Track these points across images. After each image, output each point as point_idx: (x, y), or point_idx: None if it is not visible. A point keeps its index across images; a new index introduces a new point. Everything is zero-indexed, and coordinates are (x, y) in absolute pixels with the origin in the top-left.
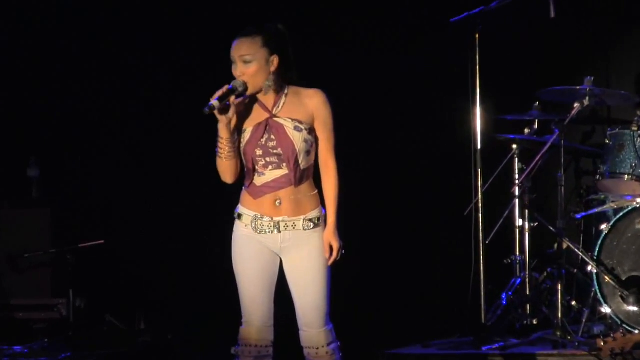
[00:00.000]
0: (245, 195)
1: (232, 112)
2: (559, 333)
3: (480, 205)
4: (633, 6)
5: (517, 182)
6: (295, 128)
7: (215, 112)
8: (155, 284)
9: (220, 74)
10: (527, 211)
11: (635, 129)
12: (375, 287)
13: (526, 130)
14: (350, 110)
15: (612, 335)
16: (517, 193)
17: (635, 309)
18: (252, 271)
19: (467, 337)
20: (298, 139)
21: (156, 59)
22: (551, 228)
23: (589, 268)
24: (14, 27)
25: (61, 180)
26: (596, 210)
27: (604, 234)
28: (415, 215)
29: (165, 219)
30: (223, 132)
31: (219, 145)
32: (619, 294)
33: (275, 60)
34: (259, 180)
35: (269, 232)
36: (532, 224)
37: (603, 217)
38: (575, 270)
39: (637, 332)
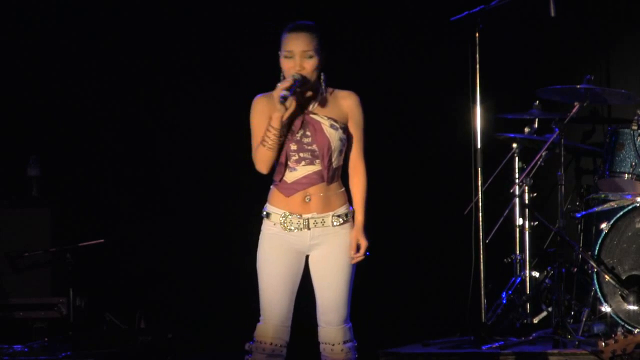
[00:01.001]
0: (274, 194)
1: (292, 104)
2: (559, 332)
3: (480, 204)
4: (633, 6)
5: (517, 181)
6: (332, 126)
7: (285, 103)
8: (155, 284)
9: (220, 74)
10: (527, 210)
11: (635, 127)
12: (375, 287)
13: (526, 129)
14: None
15: (613, 336)
16: (517, 192)
17: (635, 307)
18: (277, 271)
19: (467, 336)
20: (334, 136)
21: (156, 59)
22: (551, 227)
23: (589, 267)
24: (14, 27)
25: (61, 179)
26: (596, 209)
27: (604, 232)
28: (415, 215)
29: (165, 219)
30: (276, 123)
31: (268, 134)
32: (619, 292)
33: (325, 59)
34: (290, 177)
35: (299, 229)
36: (532, 223)
37: (603, 216)
38: (575, 270)
39: (637, 332)
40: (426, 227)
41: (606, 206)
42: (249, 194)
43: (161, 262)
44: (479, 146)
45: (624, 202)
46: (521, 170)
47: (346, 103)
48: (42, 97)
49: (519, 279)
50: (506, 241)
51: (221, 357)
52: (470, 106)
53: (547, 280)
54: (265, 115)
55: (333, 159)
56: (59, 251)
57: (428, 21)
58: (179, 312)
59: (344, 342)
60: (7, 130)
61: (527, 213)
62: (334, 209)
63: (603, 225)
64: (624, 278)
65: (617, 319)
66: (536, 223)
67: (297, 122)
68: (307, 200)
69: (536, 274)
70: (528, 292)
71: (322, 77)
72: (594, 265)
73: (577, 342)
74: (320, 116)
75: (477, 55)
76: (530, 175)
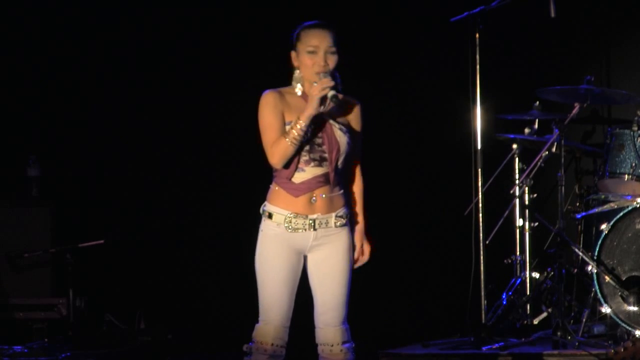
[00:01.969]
0: (279, 193)
1: (326, 103)
2: (559, 333)
3: (480, 205)
4: (633, 6)
5: (517, 181)
6: (341, 129)
7: (322, 100)
8: (155, 284)
9: (220, 74)
10: (527, 211)
11: (636, 128)
12: (375, 287)
13: (526, 130)
14: None
15: (622, 344)
16: (517, 193)
17: (635, 308)
18: (277, 272)
19: (467, 337)
20: (343, 141)
21: (156, 59)
22: (551, 228)
23: (589, 268)
24: (14, 27)
25: (61, 179)
26: (596, 210)
27: (604, 233)
28: (415, 216)
29: (165, 219)
30: (307, 120)
31: (295, 130)
32: (619, 293)
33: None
34: (297, 177)
35: (304, 230)
36: (532, 224)
37: (603, 217)
38: (575, 270)
39: None
40: (426, 227)
41: (606, 207)
42: (249, 194)
43: (161, 262)
44: (479, 147)
45: (624, 203)
46: (521, 171)
47: (352, 109)
48: (41, 97)
49: (519, 279)
50: (506, 242)
51: (221, 357)
52: (470, 106)
53: (547, 281)
54: (278, 109)
55: (339, 162)
56: (59, 251)
57: (428, 21)
58: (179, 312)
59: (343, 343)
60: (7, 130)
61: (527, 214)
62: (335, 210)
63: (603, 226)
64: (624, 279)
65: (617, 320)
66: (536, 224)
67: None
68: (312, 202)
69: (536, 275)
70: (528, 293)
71: (337, 77)
72: (594, 266)
73: (577, 343)
74: (332, 120)
75: (477, 55)
76: (531, 176)
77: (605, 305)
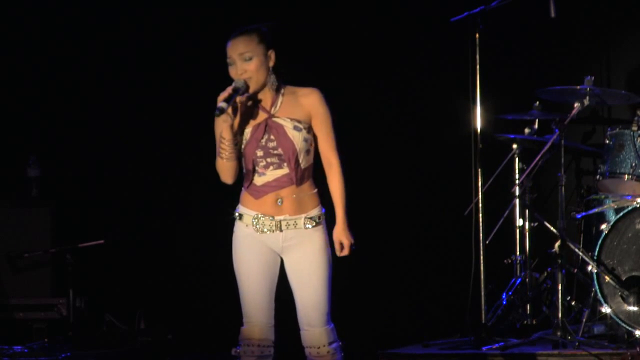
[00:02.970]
0: (245, 196)
1: (237, 113)
2: (559, 333)
3: (480, 205)
4: (633, 6)
5: (517, 181)
6: (295, 127)
7: (222, 115)
8: (155, 284)
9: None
10: (527, 211)
11: (635, 128)
12: (375, 287)
13: (526, 130)
14: (349, 110)
15: (628, 353)
16: (517, 193)
17: (635, 308)
18: (253, 271)
19: (467, 337)
20: (298, 138)
21: (156, 58)
22: (551, 228)
23: (589, 268)
24: (14, 27)
25: (61, 179)
26: (596, 210)
27: (604, 233)
28: (415, 215)
29: (165, 219)
30: (226, 133)
31: (221, 146)
32: (619, 293)
33: (272, 54)
34: (259, 180)
35: (271, 231)
36: (532, 224)
37: (603, 217)
38: (575, 270)
39: None
40: (426, 227)
41: (606, 207)
42: None
43: (161, 262)
44: (479, 147)
45: (624, 203)
46: (521, 171)
47: (308, 101)
48: (41, 97)
49: (519, 279)
50: (506, 242)
51: (221, 357)
52: (470, 106)
53: (547, 281)
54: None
55: (301, 161)
56: (59, 252)
57: (428, 21)
58: (179, 312)
59: (329, 344)
60: (7, 130)
61: (527, 214)
62: (306, 211)
63: (603, 226)
64: (624, 279)
65: (617, 320)
66: (536, 224)
67: (261, 128)
68: (279, 203)
69: (536, 274)
70: (528, 293)
71: (271, 77)
72: (594, 266)
73: (577, 343)
74: (282, 119)
75: (477, 55)
76: (531, 176)
77: (605, 305)
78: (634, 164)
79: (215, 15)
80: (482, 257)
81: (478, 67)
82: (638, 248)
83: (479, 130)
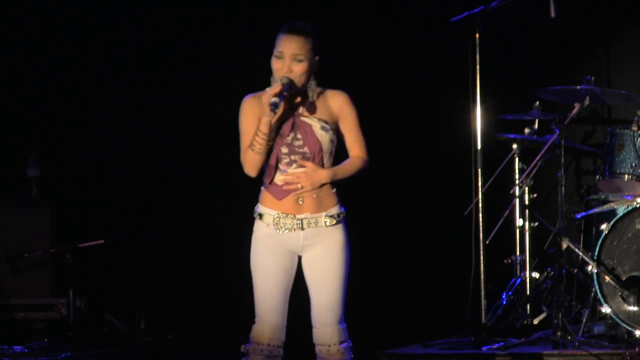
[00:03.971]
0: (265, 195)
1: (280, 108)
2: (559, 333)
3: (480, 205)
4: (633, 6)
5: (517, 181)
6: (322, 128)
7: (275, 109)
8: (155, 284)
9: (220, 73)
10: (527, 211)
11: (635, 128)
12: (375, 287)
13: (526, 130)
14: None
15: (628, 352)
16: (517, 193)
17: (635, 308)
18: (270, 271)
19: (467, 337)
20: (325, 138)
21: (156, 59)
22: (551, 228)
23: (589, 268)
24: (14, 27)
25: (61, 179)
26: (596, 210)
27: (604, 233)
28: (415, 216)
29: (165, 220)
30: (265, 127)
31: (256, 139)
32: (619, 293)
33: (317, 61)
34: (280, 179)
35: (292, 229)
36: (532, 224)
37: (603, 217)
38: (575, 270)
39: None
40: (426, 227)
41: (606, 207)
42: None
43: (161, 263)
44: (479, 147)
45: (624, 203)
46: (521, 171)
47: (336, 103)
48: (41, 97)
49: (519, 279)
50: (506, 242)
51: (221, 357)
52: (470, 106)
53: (547, 281)
54: (255, 116)
55: (325, 161)
56: (59, 252)
57: (428, 21)
58: (179, 312)
59: (340, 343)
60: (7, 130)
61: (527, 214)
62: (326, 209)
63: (603, 226)
64: (624, 279)
65: (617, 320)
66: (536, 224)
67: (288, 126)
68: (300, 202)
69: (536, 274)
70: (528, 293)
71: (311, 82)
72: (594, 266)
73: (577, 343)
74: (310, 118)
75: (477, 55)
76: (531, 176)
77: (605, 305)
78: (634, 164)
79: (216, 15)
80: (482, 257)
81: (478, 67)
82: (638, 248)
83: (479, 130)
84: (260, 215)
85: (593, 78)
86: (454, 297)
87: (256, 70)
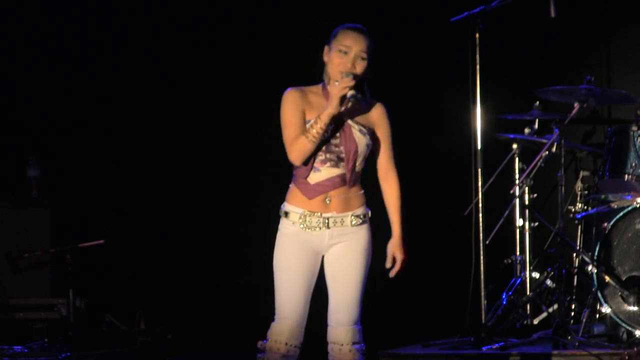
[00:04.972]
0: (295, 192)
1: (349, 103)
2: (559, 333)
3: (480, 205)
4: (633, 6)
5: (517, 182)
6: (360, 131)
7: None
8: (155, 284)
9: (221, 73)
10: (527, 211)
11: (636, 128)
12: (375, 287)
13: (526, 130)
14: None
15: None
16: (517, 193)
17: (635, 308)
18: (293, 271)
19: (467, 337)
20: (362, 141)
21: (157, 58)
22: (551, 228)
23: (589, 268)
24: (14, 26)
25: (61, 180)
26: (596, 210)
27: (604, 233)
28: (415, 216)
29: (165, 219)
30: (327, 118)
31: (315, 128)
32: (619, 293)
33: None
34: (313, 178)
35: (318, 228)
36: (532, 224)
37: (603, 217)
38: (575, 270)
39: None
40: (426, 228)
41: (606, 207)
42: (249, 194)
43: (161, 263)
44: (479, 147)
45: (624, 203)
46: (521, 171)
47: (375, 112)
48: (41, 97)
49: (519, 279)
50: (506, 242)
51: (221, 357)
52: (470, 106)
53: (547, 281)
54: (298, 108)
55: (357, 164)
56: (59, 252)
57: (428, 22)
58: (179, 312)
59: (353, 344)
60: (7, 130)
61: (527, 214)
62: (352, 209)
63: (603, 226)
64: (624, 279)
65: (617, 320)
66: (536, 224)
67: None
68: (327, 202)
69: (536, 274)
70: (528, 293)
71: (365, 84)
72: (594, 266)
73: (577, 343)
74: (351, 120)
75: (477, 55)
76: (531, 176)
77: (605, 305)
78: (634, 164)
79: (215, 15)
80: (482, 257)
81: (478, 67)
82: (638, 248)
83: (479, 130)
84: (286, 214)
85: (593, 78)
86: (454, 297)
87: (259, 71)
